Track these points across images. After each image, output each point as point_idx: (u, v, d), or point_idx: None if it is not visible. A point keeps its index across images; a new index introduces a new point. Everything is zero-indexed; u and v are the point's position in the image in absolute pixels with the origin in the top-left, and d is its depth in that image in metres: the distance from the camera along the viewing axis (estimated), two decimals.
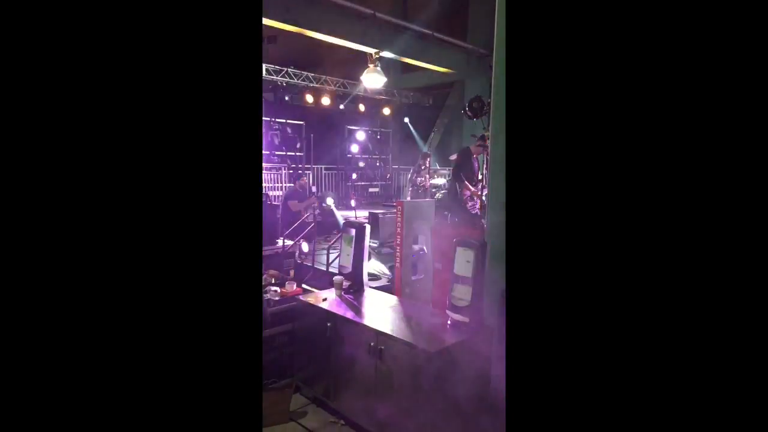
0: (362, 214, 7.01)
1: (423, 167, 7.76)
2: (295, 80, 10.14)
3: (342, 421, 2.97)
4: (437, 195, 7.14)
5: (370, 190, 9.63)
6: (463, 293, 2.63)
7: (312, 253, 5.02)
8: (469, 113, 4.47)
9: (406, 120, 11.51)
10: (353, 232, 3.43)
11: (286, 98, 10.06)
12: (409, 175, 8.67)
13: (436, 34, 8.73)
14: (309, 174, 10.61)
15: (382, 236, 6.04)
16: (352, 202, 8.19)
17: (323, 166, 10.91)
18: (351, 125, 11.39)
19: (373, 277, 4.22)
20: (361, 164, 11.02)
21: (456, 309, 2.66)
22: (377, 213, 6.57)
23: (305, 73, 10.15)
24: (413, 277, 3.76)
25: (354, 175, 10.72)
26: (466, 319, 2.61)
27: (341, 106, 10.89)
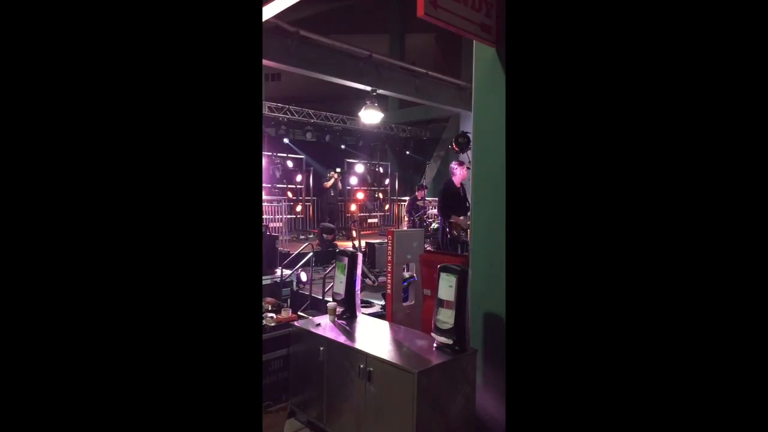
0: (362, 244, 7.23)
1: (419, 200, 7.99)
2: (297, 117, 10.57)
3: None
4: (432, 225, 7.34)
5: (369, 221, 9.84)
6: (447, 316, 2.79)
7: (310, 282, 5.19)
8: (455, 148, 4.72)
9: (408, 153, 11.91)
10: (346, 260, 3.60)
11: (285, 140, 10.52)
12: (406, 206, 8.93)
13: (430, 72, 9.16)
14: (309, 206, 10.89)
15: (379, 264, 6.24)
16: (354, 233, 8.44)
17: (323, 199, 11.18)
18: (350, 159, 11.75)
19: (367, 304, 4.37)
20: (360, 196, 11.30)
21: (441, 332, 2.81)
22: (374, 243, 6.79)
23: (306, 109, 10.57)
24: (404, 304, 3.91)
25: (353, 207, 10.96)
26: (450, 341, 2.76)
27: (342, 146, 11.29)
